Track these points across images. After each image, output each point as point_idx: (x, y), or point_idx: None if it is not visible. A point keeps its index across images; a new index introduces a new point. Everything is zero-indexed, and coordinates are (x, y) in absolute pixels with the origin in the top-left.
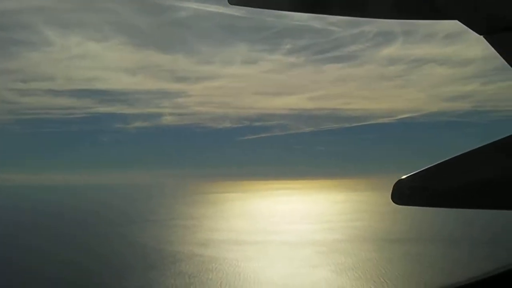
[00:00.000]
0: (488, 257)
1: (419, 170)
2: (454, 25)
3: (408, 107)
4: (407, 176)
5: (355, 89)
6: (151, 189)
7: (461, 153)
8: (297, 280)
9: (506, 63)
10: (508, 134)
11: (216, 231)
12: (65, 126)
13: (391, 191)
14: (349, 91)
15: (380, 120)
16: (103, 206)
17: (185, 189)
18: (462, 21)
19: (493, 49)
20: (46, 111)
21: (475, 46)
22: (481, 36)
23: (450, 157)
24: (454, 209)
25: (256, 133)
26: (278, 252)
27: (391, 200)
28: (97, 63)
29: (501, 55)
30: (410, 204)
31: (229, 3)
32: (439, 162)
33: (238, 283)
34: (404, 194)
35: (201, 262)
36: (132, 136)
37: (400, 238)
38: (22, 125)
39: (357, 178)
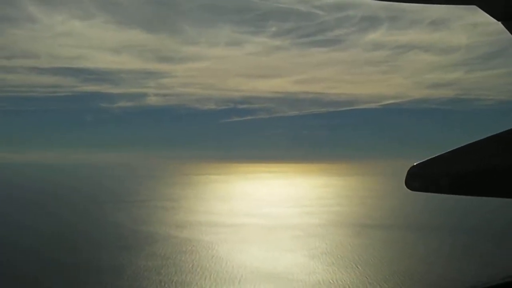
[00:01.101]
0: (466, 245)
1: (432, 157)
2: (440, 11)
3: (392, 93)
4: (421, 162)
5: (340, 74)
6: (134, 169)
7: (476, 140)
8: (269, 264)
9: (489, 52)
10: (490, 123)
11: (194, 213)
12: (50, 105)
13: (405, 176)
14: (334, 75)
15: (365, 106)
16: (84, 185)
17: (168, 170)
18: (481, 6)
19: (477, 38)
20: (31, 89)
21: (460, 34)
22: (461, 25)
23: (465, 144)
24: (438, 197)
25: (241, 115)
26: (255, 235)
27: (372, 185)
28: (81, 41)
29: None
30: (423, 191)
31: None
32: (453, 148)
33: (210, 265)
34: (417, 180)
35: (176, 243)
36: (116, 116)
37: (378, 224)
38: (6, 102)
39: (341, 163)
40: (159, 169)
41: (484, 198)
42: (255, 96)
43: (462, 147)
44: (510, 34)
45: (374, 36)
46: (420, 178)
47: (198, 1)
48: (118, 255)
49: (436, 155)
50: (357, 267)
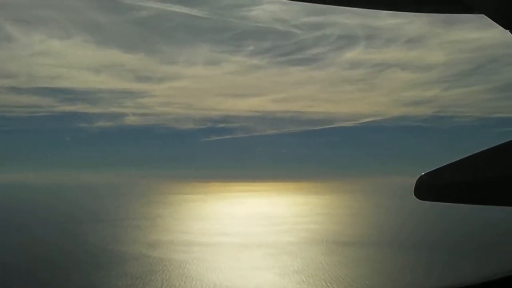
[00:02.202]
0: (444, 263)
1: (441, 166)
2: (416, 29)
3: (371, 111)
4: (430, 172)
5: (318, 92)
6: (112, 189)
7: (485, 149)
8: (240, 282)
9: (466, 69)
10: (470, 140)
11: (168, 232)
12: (29, 125)
13: (414, 186)
14: (313, 94)
15: (343, 124)
16: (62, 205)
17: (146, 189)
18: (489, 15)
19: (454, 55)
20: (9, 109)
21: (436, 52)
22: (437, 42)
23: (473, 153)
24: (416, 214)
25: (220, 134)
26: (227, 254)
27: (350, 203)
28: (60, 60)
29: None
30: (432, 200)
31: None
32: (460, 158)
33: (180, 284)
34: (426, 189)
35: (147, 263)
36: (96, 136)
37: (352, 241)
38: None
39: (320, 181)
40: (138, 188)
41: (469, 213)
42: (234, 115)
43: (470, 156)
44: (486, 51)
45: (351, 54)
46: (429, 188)
47: (176, 21)
48: (89, 275)
49: (445, 164)
50: (328, 285)
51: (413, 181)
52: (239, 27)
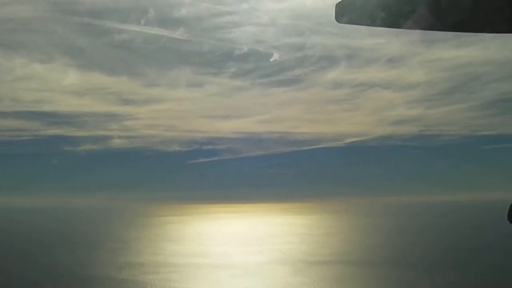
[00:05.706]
0: (410, 281)
1: None
2: (396, 49)
3: (355, 131)
4: None
5: (303, 113)
6: (96, 212)
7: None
8: None
9: (448, 87)
10: (455, 158)
11: (141, 254)
12: (14, 149)
13: (508, 211)
14: (297, 115)
15: (329, 144)
16: (41, 228)
17: (131, 212)
18: None
19: (435, 74)
20: None
21: (417, 71)
22: (418, 61)
23: None
24: (394, 233)
25: (207, 156)
26: (194, 274)
27: (330, 223)
28: (43, 84)
29: None
30: None
31: (337, 22)
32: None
33: None
34: None
35: (111, 285)
36: (81, 159)
37: (322, 261)
38: None
39: (306, 202)
40: (124, 212)
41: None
42: (220, 137)
43: None
44: (465, 69)
45: (333, 74)
46: None
47: (157, 44)
48: None
49: None
50: None
51: (399, 200)
52: (220, 49)
